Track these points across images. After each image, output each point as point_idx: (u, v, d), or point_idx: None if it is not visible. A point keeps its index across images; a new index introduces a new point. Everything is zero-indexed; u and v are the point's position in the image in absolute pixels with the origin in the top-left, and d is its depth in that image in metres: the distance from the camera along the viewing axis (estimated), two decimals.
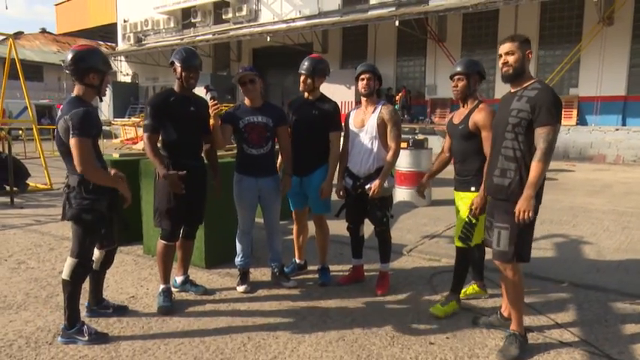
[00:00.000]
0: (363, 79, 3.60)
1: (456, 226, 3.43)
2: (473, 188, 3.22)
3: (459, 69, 3.27)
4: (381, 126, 3.56)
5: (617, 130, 13.90)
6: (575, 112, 15.71)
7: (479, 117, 3.16)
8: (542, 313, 3.35)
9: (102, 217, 2.83)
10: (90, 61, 2.80)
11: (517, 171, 2.69)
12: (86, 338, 2.81)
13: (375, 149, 3.58)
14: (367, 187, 3.57)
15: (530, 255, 2.81)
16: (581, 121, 15.66)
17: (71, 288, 2.83)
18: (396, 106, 16.32)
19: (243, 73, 3.58)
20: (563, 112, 14.04)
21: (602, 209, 7.08)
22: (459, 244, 3.34)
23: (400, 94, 18.17)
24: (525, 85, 2.72)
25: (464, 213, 3.27)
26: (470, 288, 3.62)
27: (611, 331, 3.10)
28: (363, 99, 3.67)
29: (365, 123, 3.62)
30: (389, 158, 3.55)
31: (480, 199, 3.12)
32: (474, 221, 3.25)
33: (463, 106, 3.33)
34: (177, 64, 3.30)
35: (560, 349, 2.86)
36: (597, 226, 5.98)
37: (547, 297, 3.66)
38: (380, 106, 3.61)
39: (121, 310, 3.28)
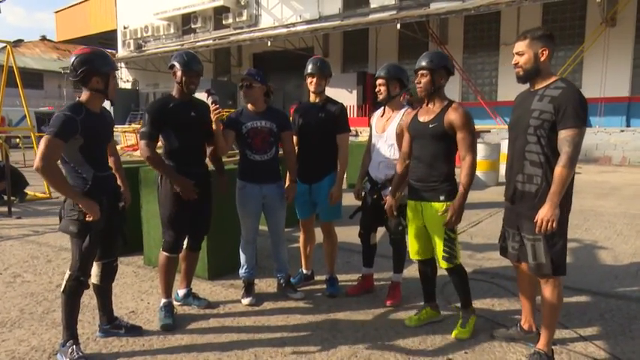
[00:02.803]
0: (377, 85, 3.45)
1: (435, 245, 3.01)
2: (442, 197, 2.89)
3: (422, 63, 2.92)
4: (401, 134, 3.37)
5: (622, 131, 13.75)
6: None
7: (455, 116, 2.84)
8: (563, 324, 3.17)
9: (88, 229, 2.64)
10: (90, 64, 2.63)
11: (544, 177, 2.52)
12: None
13: (394, 156, 3.41)
14: (384, 193, 3.42)
15: (565, 266, 2.60)
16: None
17: (65, 301, 2.72)
18: None
19: (242, 76, 3.45)
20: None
21: (613, 212, 6.91)
22: (445, 265, 2.97)
23: (401, 98, 18.04)
24: (547, 83, 2.54)
25: (441, 228, 2.90)
26: (423, 312, 3.24)
27: (637, 343, 2.93)
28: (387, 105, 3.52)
29: (385, 128, 3.47)
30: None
31: (456, 207, 2.81)
32: (452, 236, 2.94)
33: (427, 104, 3.02)
34: (178, 68, 3.15)
35: None
36: (610, 230, 5.82)
37: (567, 306, 3.47)
38: (402, 113, 3.43)
39: (134, 331, 3.07)
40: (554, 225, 2.40)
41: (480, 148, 9.07)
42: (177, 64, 3.15)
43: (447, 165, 2.93)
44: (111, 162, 3.04)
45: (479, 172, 9.07)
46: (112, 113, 3.09)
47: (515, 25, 16.46)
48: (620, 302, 3.58)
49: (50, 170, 2.49)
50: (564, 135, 2.42)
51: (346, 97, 19.03)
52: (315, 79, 3.59)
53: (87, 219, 2.61)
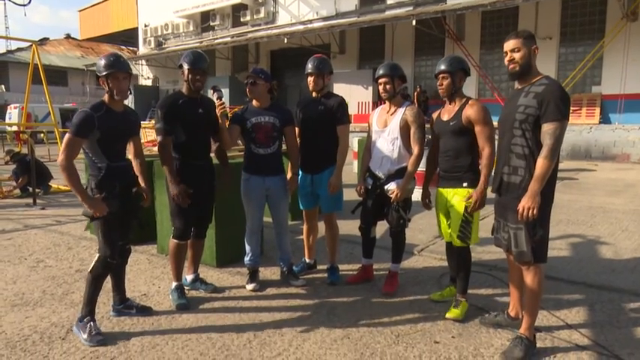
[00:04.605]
0: (380, 84, 3.59)
1: (451, 224, 3.30)
2: (465, 184, 3.18)
3: (442, 67, 3.23)
4: (405, 128, 3.54)
5: None
6: (597, 110, 15.36)
7: (471, 111, 3.13)
8: (552, 314, 3.30)
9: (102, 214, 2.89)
10: (98, 68, 2.96)
11: (527, 168, 2.66)
12: (85, 336, 2.88)
13: (397, 150, 3.57)
14: (387, 188, 3.58)
15: (546, 255, 2.76)
16: (605, 120, 15.30)
17: (90, 281, 2.99)
18: None
19: (246, 74, 3.65)
20: (585, 110, 13.54)
21: (623, 209, 6.91)
22: (459, 243, 3.26)
23: (415, 93, 18.05)
24: (533, 81, 2.69)
25: (460, 209, 3.19)
26: (447, 290, 3.57)
27: (622, 332, 3.04)
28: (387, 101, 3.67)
29: (388, 123, 3.61)
30: (412, 162, 3.51)
31: (479, 194, 3.09)
32: (470, 219, 3.19)
33: (450, 104, 3.30)
34: (185, 67, 3.37)
35: (568, 350, 2.82)
36: (616, 226, 5.85)
37: (559, 297, 3.60)
38: (404, 108, 3.58)
39: (145, 311, 3.31)
40: (535, 212, 2.55)
41: None
42: (185, 64, 3.37)
43: (469, 157, 3.20)
44: (135, 164, 3.23)
45: None
46: (134, 106, 3.36)
47: (533, 21, 16.29)
48: (612, 294, 3.67)
49: (68, 167, 2.81)
50: (546, 128, 2.56)
51: (362, 93, 19.17)
52: (312, 78, 3.76)
53: (95, 215, 2.88)
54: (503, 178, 2.79)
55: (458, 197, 3.21)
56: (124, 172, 3.09)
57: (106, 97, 2.98)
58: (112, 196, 2.95)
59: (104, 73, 2.92)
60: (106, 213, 2.90)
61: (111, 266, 3.03)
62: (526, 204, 2.56)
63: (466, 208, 3.16)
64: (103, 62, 2.94)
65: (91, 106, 2.93)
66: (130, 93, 3.07)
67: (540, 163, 2.56)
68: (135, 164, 3.24)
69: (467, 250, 3.30)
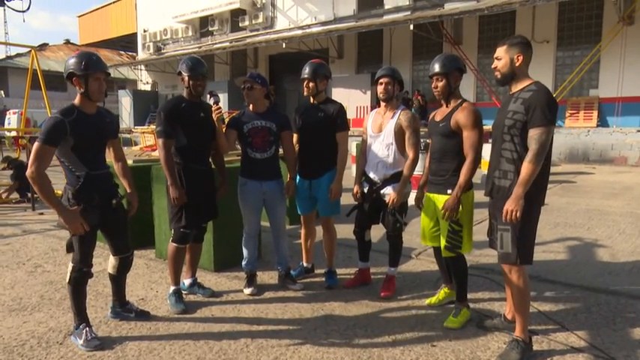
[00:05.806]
0: (381, 84, 3.59)
1: (441, 233, 3.24)
2: (449, 190, 3.11)
3: (437, 69, 3.16)
4: (399, 132, 3.55)
5: (638, 131, 13.57)
6: (595, 113, 15.40)
7: (461, 116, 3.09)
8: (548, 317, 3.31)
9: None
10: (69, 67, 2.77)
11: (515, 172, 2.68)
12: (81, 342, 2.86)
13: (392, 155, 3.58)
14: (383, 192, 3.59)
15: (532, 257, 2.77)
16: (602, 123, 15.34)
17: (71, 291, 2.96)
18: (412, 110, 16.24)
19: (242, 79, 3.67)
20: (583, 113, 13.55)
21: (620, 212, 6.93)
22: (447, 254, 3.20)
23: (414, 98, 18.12)
24: (522, 86, 2.72)
25: (446, 220, 3.13)
26: (441, 293, 3.57)
27: (618, 335, 3.05)
28: (383, 103, 3.67)
29: (383, 128, 3.62)
30: (407, 166, 3.51)
31: (450, 202, 3.05)
32: (457, 228, 3.14)
33: (446, 106, 3.24)
34: (185, 74, 3.40)
35: (565, 353, 2.83)
36: (613, 229, 5.87)
37: (556, 300, 3.61)
38: (399, 112, 3.59)
39: (143, 316, 3.30)
40: (518, 215, 2.56)
41: (487, 148, 9.12)
42: (183, 71, 3.40)
43: (454, 161, 3.14)
44: (117, 168, 3.20)
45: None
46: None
47: (530, 25, 16.36)
48: (609, 297, 3.68)
49: (38, 178, 2.61)
50: (532, 133, 2.59)
51: (360, 97, 19.20)
52: (305, 83, 3.79)
53: (72, 232, 2.77)
54: (495, 182, 2.81)
55: (441, 205, 3.15)
56: (104, 181, 2.95)
57: (77, 100, 2.80)
58: (91, 208, 2.83)
59: (82, 73, 2.73)
60: (82, 230, 2.74)
61: (88, 274, 2.94)
62: (509, 207, 2.58)
63: (444, 214, 3.11)
64: (81, 61, 2.73)
65: (61, 110, 2.71)
66: (106, 96, 2.92)
67: (525, 167, 2.58)
68: (117, 168, 3.19)
69: (458, 258, 3.23)
